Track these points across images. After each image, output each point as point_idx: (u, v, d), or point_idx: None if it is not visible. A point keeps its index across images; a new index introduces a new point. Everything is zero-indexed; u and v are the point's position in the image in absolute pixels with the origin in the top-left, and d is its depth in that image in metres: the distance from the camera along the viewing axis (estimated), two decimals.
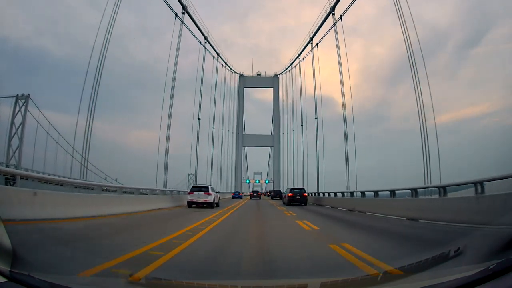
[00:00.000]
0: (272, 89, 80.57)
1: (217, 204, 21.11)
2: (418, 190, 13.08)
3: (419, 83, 24.62)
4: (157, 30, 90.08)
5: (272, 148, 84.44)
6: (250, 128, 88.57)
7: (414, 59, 24.93)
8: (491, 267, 1.75)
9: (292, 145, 68.44)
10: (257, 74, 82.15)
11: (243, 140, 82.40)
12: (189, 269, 4.56)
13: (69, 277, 3.38)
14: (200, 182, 44.02)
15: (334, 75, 38.28)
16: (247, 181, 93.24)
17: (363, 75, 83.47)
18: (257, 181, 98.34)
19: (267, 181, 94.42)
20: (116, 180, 40.91)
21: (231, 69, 72.79)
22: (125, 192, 17.23)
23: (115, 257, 4.63)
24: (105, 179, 39.68)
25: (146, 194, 20.37)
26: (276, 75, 79.89)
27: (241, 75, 79.54)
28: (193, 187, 20.90)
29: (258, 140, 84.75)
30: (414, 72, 24.77)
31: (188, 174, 72.05)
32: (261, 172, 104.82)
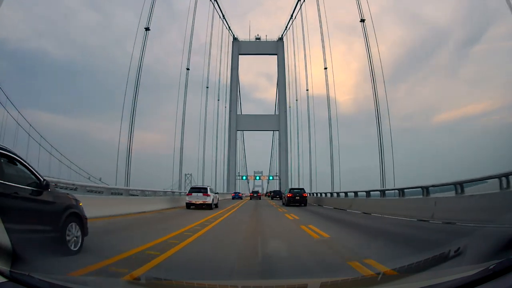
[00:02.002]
0: (276, 56, 64.83)
1: (216, 205, 21.26)
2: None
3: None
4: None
5: (277, 132, 65.90)
6: (250, 133, 76.93)
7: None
8: (491, 267, 1.74)
9: (301, 131, 55.48)
10: (256, 39, 65.14)
11: (237, 122, 64.31)
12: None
13: (69, 276, 3.39)
14: (200, 182, 44.07)
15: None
16: (244, 177, 74.36)
17: (363, 74, 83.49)
18: (257, 178, 76.27)
19: (270, 177, 73.58)
20: (100, 179, 40.57)
21: (232, 32, 62.20)
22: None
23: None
24: (89, 178, 39.45)
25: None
26: (280, 39, 64.16)
27: (235, 39, 63.84)
28: (191, 188, 21.10)
29: (259, 122, 65.56)
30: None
31: (185, 174, 70.09)
32: (262, 171, 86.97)
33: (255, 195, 51.41)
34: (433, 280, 2.08)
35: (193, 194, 19.51)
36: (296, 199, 24.97)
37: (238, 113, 67.40)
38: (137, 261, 4.71)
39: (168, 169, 37.30)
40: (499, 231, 3.28)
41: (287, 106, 62.99)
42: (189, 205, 19.23)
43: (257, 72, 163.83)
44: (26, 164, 4.57)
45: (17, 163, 4.43)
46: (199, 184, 34.73)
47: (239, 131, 69.47)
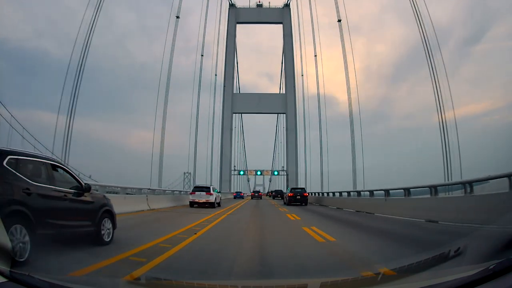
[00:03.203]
0: (282, 26, 55.31)
1: (219, 204, 21.69)
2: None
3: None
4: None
5: (284, 115, 54.60)
6: (250, 128, 73.06)
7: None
8: (491, 267, 1.75)
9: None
10: (257, 5, 56.37)
11: (234, 102, 52.85)
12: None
13: (68, 276, 3.39)
14: (198, 181, 43.78)
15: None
16: (242, 172, 62.52)
17: (365, 74, 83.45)
18: (259, 173, 61.92)
19: (275, 172, 62.61)
20: (90, 177, 40.27)
21: None
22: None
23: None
24: (78, 175, 39.12)
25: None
26: (287, 5, 54.98)
27: (231, 5, 54.90)
28: (195, 187, 21.69)
29: (260, 103, 53.43)
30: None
31: (184, 173, 62.61)
32: (263, 170, 73.97)
33: (256, 194, 51.33)
34: (433, 280, 2.08)
35: (197, 193, 20.04)
36: (297, 198, 25.52)
37: (235, 91, 55.99)
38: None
39: (166, 167, 37.03)
40: (499, 231, 3.27)
41: (301, 74, 50.49)
42: (192, 204, 19.71)
43: (257, 72, 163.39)
44: (70, 171, 5.63)
45: (63, 170, 5.44)
46: (201, 184, 34.79)
47: (236, 114, 58.47)
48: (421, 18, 27.39)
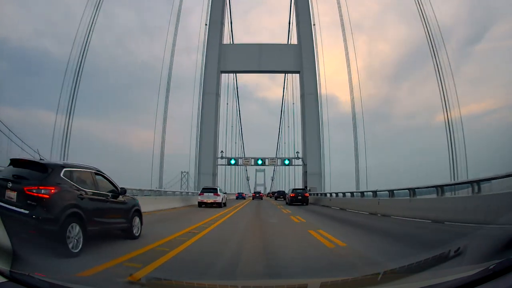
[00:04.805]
0: None
1: (225, 204, 23.49)
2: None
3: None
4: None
5: (298, 75, 36.92)
6: (250, 137, 58.94)
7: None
8: (491, 267, 1.75)
9: None
10: None
11: (223, 57, 35.65)
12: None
13: (69, 277, 3.40)
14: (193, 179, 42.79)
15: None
16: (232, 161, 42.51)
17: (366, 73, 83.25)
18: (259, 162, 41.96)
19: (286, 161, 42.43)
20: None
21: None
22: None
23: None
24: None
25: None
26: None
27: None
28: (203, 188, 23.57)
29: (262, 59, 35.64)
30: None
31: (182, 172, 59.49)
32: (265, 159, 45.59)
33: (257, 195, 52.18)
34: (433, 280, 2.08)
35: (205, 194, 21.97)
36: (298, 198, 27.16)
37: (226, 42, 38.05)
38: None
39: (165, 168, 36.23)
40: (499, 231, 3.27)
41: None
42: (200, 204, 21.46)
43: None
44: (108, 178, 6.56)
45: (103, 177, 6.38)
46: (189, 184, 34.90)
47: (226, 75, 41.54)
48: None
